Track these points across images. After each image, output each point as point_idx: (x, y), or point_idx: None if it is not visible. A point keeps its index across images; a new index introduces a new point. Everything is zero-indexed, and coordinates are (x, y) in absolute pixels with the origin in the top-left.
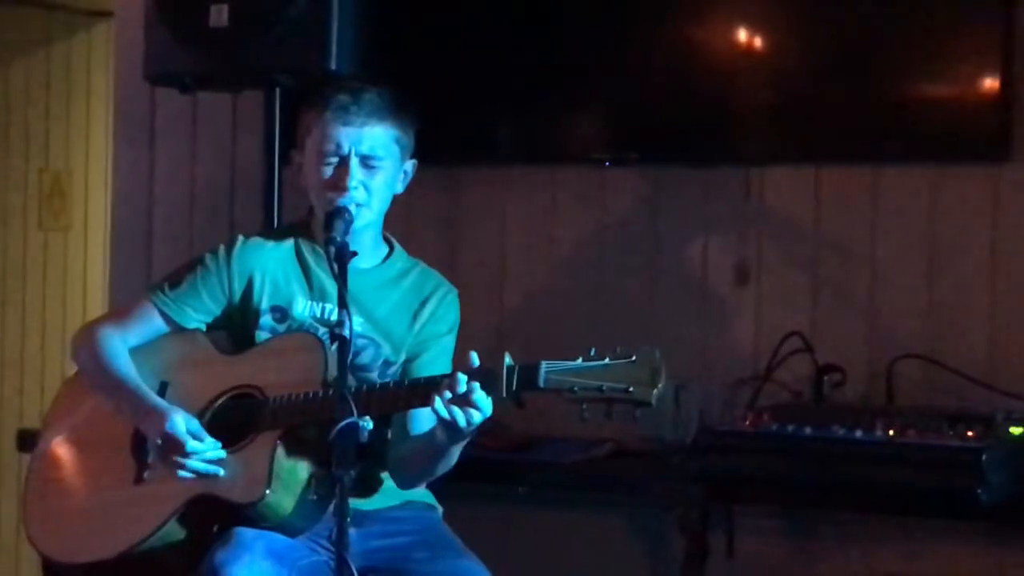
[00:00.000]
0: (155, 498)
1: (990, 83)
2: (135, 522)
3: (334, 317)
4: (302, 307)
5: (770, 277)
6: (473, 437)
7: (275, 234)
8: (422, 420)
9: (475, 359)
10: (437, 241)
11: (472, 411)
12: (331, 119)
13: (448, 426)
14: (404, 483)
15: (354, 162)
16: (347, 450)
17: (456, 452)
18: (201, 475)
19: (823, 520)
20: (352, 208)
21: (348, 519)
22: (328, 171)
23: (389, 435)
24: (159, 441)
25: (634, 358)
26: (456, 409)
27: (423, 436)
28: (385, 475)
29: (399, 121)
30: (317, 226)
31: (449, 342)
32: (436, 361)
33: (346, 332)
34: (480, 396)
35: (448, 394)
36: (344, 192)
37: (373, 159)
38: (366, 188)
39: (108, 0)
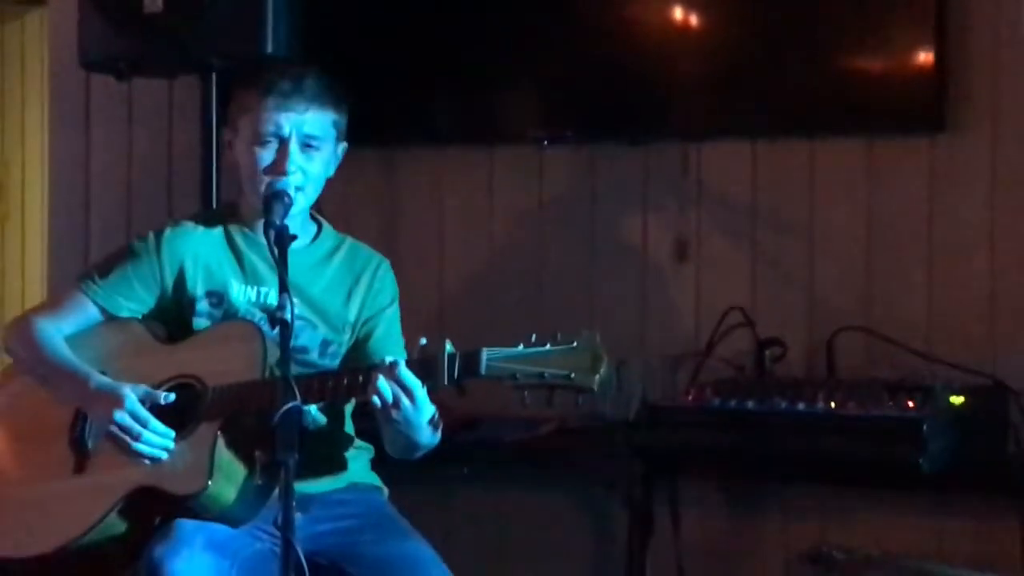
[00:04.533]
0: (95, 490)
1: (924, 55)
2: (75, 516)
3: (270, 300)
4: (237, 291)
5: (709, 252)
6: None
7: (203, 218)
8: None
9: (423, 342)
10: (375, 221)
11: (405, 400)
12: (272, 104)
13: (387, 415)
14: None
15: (294, 146)
16: (290, 434)
17: (424, 429)
18: (151, 456)
19: (767, 493)
20: (292, 191)
21: (293, 504)
22: (266, 154)
23: (343, 415)
24: (118, 419)
25: (575, 344)
26: (391, 398)
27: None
28: (329, 457)
29: (337, 105)
30: (247, 208)
31: (394, 312)
32: (389, 335)
33: (287, 316)
34: (415, 384)
35: (386, 383)
36: (283, 176)
37: (313, 143)
38: (304, 172)
39: None
